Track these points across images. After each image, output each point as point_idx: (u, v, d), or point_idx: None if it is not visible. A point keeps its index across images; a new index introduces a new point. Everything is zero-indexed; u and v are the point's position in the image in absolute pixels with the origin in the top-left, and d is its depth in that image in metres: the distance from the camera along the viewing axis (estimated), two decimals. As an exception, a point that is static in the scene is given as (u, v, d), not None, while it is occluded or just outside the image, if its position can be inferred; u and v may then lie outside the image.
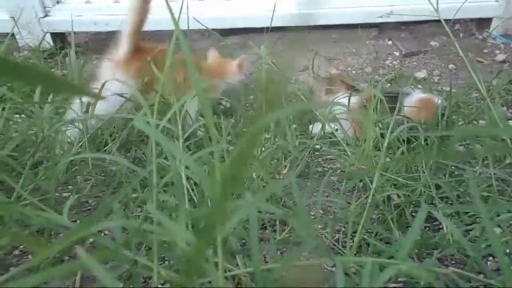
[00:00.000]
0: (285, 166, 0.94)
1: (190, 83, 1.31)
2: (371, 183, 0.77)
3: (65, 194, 0.81)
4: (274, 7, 1.33)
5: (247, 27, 1.99)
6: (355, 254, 0.56)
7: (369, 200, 0.51)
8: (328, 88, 1.21)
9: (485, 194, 0.72)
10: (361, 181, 0.88)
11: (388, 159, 0.86)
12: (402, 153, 0.90)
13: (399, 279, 0.47)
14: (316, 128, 1.17)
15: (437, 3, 0.81)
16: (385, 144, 0.55)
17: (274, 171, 0.89)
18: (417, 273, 0.31)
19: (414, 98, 1.06)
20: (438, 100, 1.10)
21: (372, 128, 0.65)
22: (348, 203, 0.82)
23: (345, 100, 1.02)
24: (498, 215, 0.60)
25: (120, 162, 0.46)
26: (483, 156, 0.75)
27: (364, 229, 0.69)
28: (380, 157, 0.78)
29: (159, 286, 0.45)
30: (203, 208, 0.33)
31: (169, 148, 0.33)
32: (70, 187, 0.79)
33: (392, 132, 0.64)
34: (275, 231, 0.64)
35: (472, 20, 2.07)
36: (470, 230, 0.65)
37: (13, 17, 1.83)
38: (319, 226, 0.72)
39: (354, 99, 1.06)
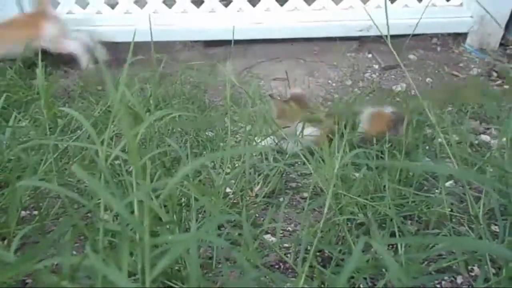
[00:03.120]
0: (258, 183, 0.95)
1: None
2: (338, 202, 0.78)
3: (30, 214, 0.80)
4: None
5: (230, 39, 2.01)
6: (311, 277, 0.57)
7: (321, 224, 0.52)
8: (282, 113, 1.15)
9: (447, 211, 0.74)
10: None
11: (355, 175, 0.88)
12: (371, 169, 0.93)
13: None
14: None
15: (387, 19, 0.81)
16: (335, 170, 0.56)
17: (246, 187, 0.90)
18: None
19: (366, 113, 1.14)
20: (388, 110, 1.16)
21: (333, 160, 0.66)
22: (317, 221, 0.84)
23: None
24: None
25: (60, 192, 0.46)
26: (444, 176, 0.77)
27: (328, 248, 0.70)
28: (346, 175, 0.79)
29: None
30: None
31: (93, 187, 0.33)
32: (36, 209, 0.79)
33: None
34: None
35: (449, 34, 2.13)
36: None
37: (-7, 28, 1.81)
38: (286, 245, 0.73)
39: (314, 130, 1.09)
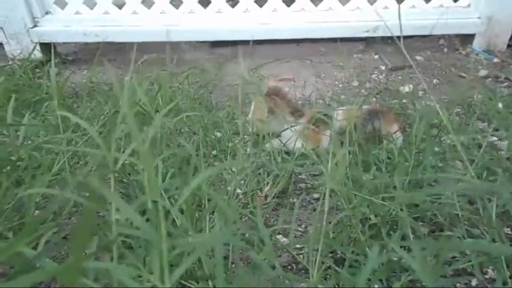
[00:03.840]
0: (267, 183, 0.95)
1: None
2: (349, 202, 0.78)
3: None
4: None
5: (237, 39, 2.02)
6: (324, 277, 0.57)
7: (332, 224, 0.52)
8: (270, 109, 1.17)
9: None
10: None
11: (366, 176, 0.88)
12: (380, 169, 0.93)
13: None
14: (273, 143, 1.20)
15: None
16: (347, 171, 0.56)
17: (256, 188, 0.90)
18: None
19: (339, 111, 1.21)
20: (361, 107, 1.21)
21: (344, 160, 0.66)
22: (329, 222, 0.84)
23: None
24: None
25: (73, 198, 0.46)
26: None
27: (341, 249, 0.70)
28: (355, 176, 0.79)
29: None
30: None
31: (105, 194, 0.33)
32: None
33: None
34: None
35: (456, 35, 2.13)
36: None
37: (1, 28, 1.83)
38: (298, 246, 0.73)
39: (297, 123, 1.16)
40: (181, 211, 0.59)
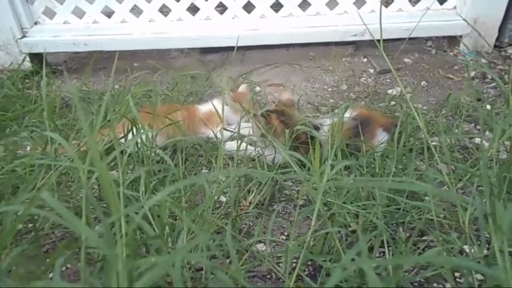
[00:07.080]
0: (252, 191, 0.96)
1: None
2: (329, 210, 0.79)
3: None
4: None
5: (226, 46, 2.03)
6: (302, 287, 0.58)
7: (309, 235, 0.53)
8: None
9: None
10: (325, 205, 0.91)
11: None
12: (363, 174, 0.93)
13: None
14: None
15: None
16: (324, 181, 0.57)
17: (239, 197, 0.91)
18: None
19: (327, 122, 1.16)
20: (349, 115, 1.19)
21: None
22: (308, 228, 0.85)
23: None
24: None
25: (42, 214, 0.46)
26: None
27: (321, 257, 0.71)
28: (337, 181, 0.80)
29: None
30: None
31: (67, 218, 0.34)
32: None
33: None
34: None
35: (443, 37, 2.15)
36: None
37: (-10, 39, 1.83)
38: (279, 255, 0.74)
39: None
40: (161, 223, 0.60)
